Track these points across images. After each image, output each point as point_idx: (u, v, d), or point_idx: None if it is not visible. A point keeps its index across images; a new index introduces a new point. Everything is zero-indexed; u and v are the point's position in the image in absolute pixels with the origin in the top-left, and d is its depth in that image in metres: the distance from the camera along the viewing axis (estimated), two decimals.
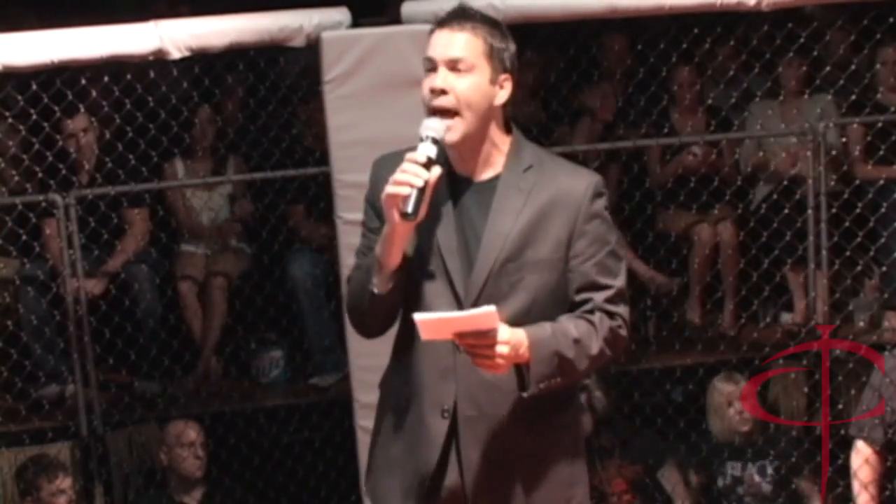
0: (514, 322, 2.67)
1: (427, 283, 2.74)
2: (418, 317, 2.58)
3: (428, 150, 2.65)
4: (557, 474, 2.86)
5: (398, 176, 2.61)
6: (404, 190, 2.60)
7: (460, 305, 2.72)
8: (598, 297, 2.76)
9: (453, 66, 2.68)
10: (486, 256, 2.72)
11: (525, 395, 2.69)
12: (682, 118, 5.77)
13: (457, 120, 2.69)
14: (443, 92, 2.67)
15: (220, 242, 5.63)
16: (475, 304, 2.69)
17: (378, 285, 2.70)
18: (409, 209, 2.60)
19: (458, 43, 2.69)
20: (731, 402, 5.15)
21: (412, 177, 2.60)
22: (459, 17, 2.73)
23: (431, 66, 2.70)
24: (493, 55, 2.72)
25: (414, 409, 2.81)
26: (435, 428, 2.78)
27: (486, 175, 2.77)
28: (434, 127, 2.67)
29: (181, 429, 4.96)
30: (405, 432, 2.84)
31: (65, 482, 4.80)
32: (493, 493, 2.80)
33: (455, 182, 2.77)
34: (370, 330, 2.88)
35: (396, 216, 2.62)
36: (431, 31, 2.74)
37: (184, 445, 4.93)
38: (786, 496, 5.10)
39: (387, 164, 2.78)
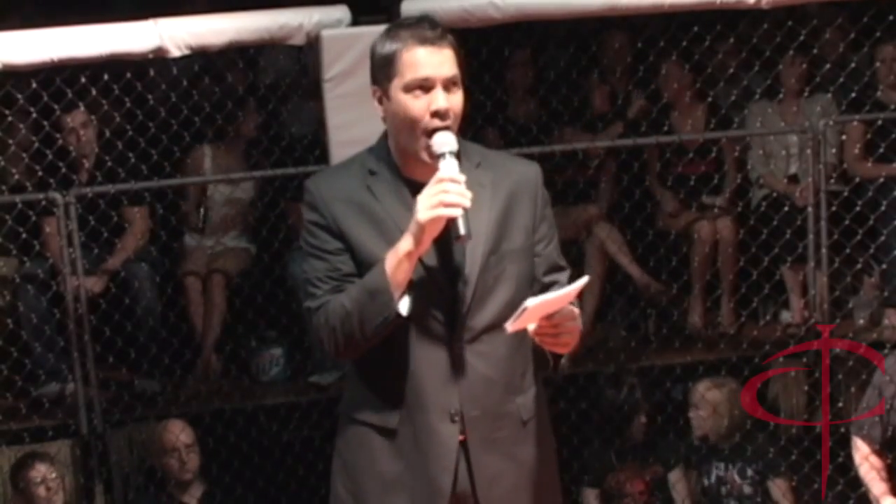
0: (504, 313, 2.72)
1: (417, 290, 2.68)
2: (532, 301, 2.55)
3: (455, 167, 2.62)
4: (547, 468, 2.92)
5: (445, 197, 2.57)
6: (457, 212, 2.57)
7: (455, 305, 2.71)
8: (563, 277, 2.87)
9: (449, 84, 2.67)
10: (473, 253, 2.72)
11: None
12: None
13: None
14: (446, 113, 2.66)
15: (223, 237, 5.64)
16: (471, 302, 2.71)
17: (405, 306, 2.65)
18: (465, 230, 2.58)
19: (449, 60, 2.68)
20: (695, 405, 5.15)
21: (459, 197, 2.58)
22: (438, 31, 2.68)
23: (427, 86, 2.65)
24: (461, 65, 2.72)
25: (417, 419, 2.74)
26: (447, 433, 2.74)
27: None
28: (449, 142, 2.65)
29: (167, 432, 4.96)
30: (404, 449, 2.76)
31: (48, 472, 4.82)
32: (501, 492, 2.80)
33: (412, 187, 2.72)
34: (360, 351, 2.74)
35: (431, 236, 2.60)
36: (397, 48, 2.66)
37: (169, 450, 4.93)
38: (765, 497, 5.10)
39: (331, 184, 2.77)
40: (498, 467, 2.78)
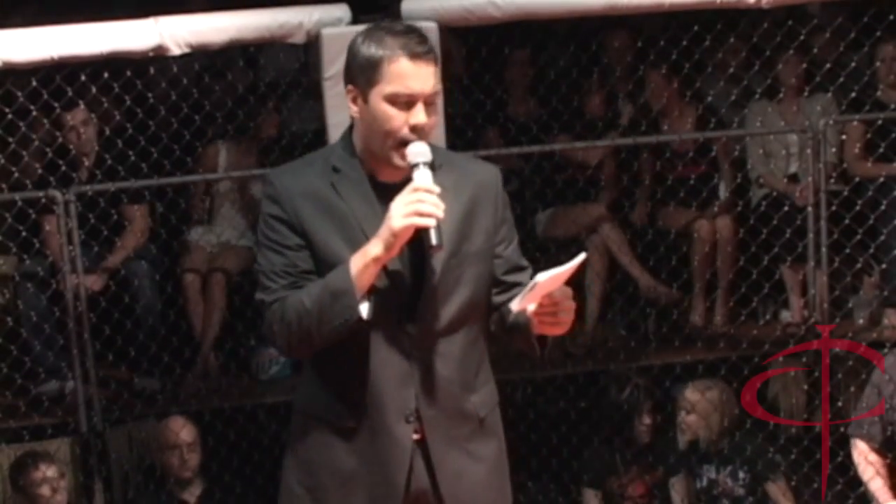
0: (462, 314, 2.76)
1: (377, 292, 2.67)
2: (542, 276, 2.56)
3: (429, 177, 2.62)
4: (503, 463, 2.95)
5: (420, 207, 2.56)
6: (431, 222, 2.57)
7: (414, 307, 2.72)
8: (524, 276, 2.88)
9: (429, 99, 2.67)
10: (434, 255, 2.70)
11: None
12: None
13: None
14: (424, 128, 2.66)
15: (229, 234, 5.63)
16: (430, 304, 2.72)
17: (365, 310, 2.64)
18: (437, 240, 2.59)
19: (433, 76, 2.66)
20: (682, 410, 5.15)
21: (434, 208, 2.58)
22: (427, 46, 2.66)
23: (410, 101, 2.64)
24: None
25: (374, 420, 2.75)
26: (401, 433, 2.75)
27: (402, 176, 2.69)
28: (423, 151, 2.65)
29: (169, 430, 4.96)
30: (360, 447, 2.77)
31: (50, 471, 4.81)
32: (464, 487, 2.82)
33: (377, 188, 2.73)
34: (312, 350, 2.75)
35: (402, 243, 2.60)
36: (384, 55, 2.63)
37: (170, 448, 4.93)
38: (759, 500, 5.09)
39: (294, 179, 2.75)
40: (460, 464, 2.81)
